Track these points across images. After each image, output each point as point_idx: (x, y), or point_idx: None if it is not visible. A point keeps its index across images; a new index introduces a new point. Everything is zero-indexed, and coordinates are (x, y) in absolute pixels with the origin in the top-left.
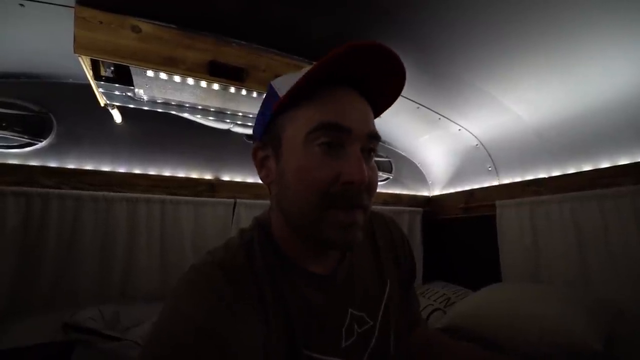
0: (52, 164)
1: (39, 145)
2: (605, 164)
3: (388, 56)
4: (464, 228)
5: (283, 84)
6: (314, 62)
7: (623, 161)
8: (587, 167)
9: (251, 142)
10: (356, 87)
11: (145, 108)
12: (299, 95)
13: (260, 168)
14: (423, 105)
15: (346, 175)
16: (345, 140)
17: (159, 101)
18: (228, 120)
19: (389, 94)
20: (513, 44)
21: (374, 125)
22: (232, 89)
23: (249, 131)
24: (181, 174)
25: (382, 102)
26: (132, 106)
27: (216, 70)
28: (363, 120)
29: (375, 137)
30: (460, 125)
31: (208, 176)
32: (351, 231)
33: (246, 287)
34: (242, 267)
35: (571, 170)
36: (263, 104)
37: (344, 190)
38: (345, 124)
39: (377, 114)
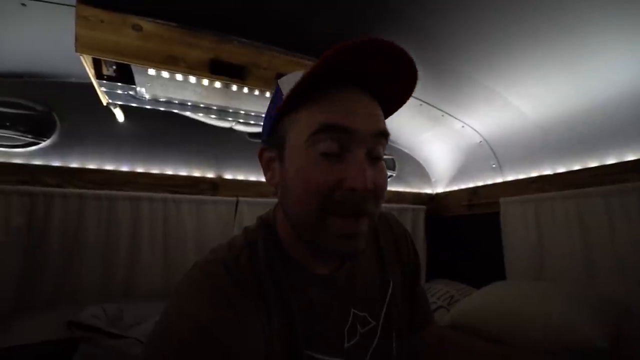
0: (56, 163)
1: (42, 144)
2: (611, 160)
3: (391, 51)
4: (467, 225)
5: (288, 84)
6: (317, 59)
7: (630, 157)
8: (592, 164)
9: (253, 140)
10: (364, 86)
11: (148, 107)
12: (301, 96)
13: (266, 170)
14: (426, 102)
15: (348, 181)
16: (349, 143)
17: (161, 100)
18: (230, 119)
19: (398, 93)
20: (518, 39)
21: (383, 123)
22: (234, 87)
23: (251, 129)
24: (183, 172)
25: (391, 102)
26: (134, 105)
27: (217, 69)
28: (369, 119)
29: (383, 134)
30: (464, 122)
31: (210, 175)
32: (354, 241)
33: (249, 286)
34: (245, 267)
35: (576, 167)
36: (270, 103)
37: (346, 197)
38: (349, 125)
39: (387, 115)
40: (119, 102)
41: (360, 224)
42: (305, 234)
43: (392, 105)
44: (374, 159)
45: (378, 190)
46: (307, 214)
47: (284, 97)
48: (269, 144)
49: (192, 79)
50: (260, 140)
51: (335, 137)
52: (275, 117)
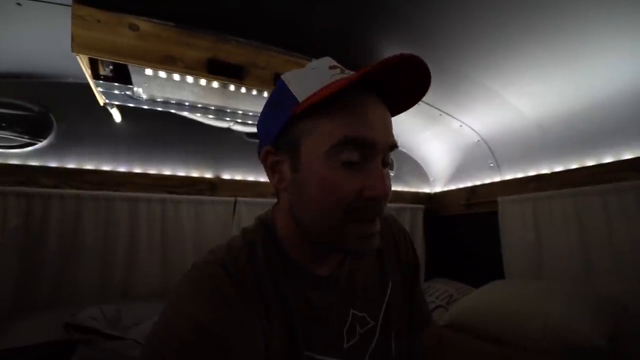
0: (53, 163)
1: (39, 145)
2: (609, 159)
3: (419, 67)
4: (466, 225)
5: (298, 84)
6: (314, 59)
7: (627, 156)
8: (590, 162)
9: (251, 140)
10: (375, 89)
11: (145, 107)
12: (322, 103)
13: (272, 173)
14: (423, 101)
15: (369, 189)
16: (369, 153)
17: (158, 100)
18: (228, 119)
19: (409, 101)
20: (516, 37)
21: (393, 136)
22: (232, 87)
23: (249, 129)
24: (181, 172)
25: (399, 106)
26: (131, 105)
27: (215, 68)
28: (386, 130)
29: (395, 146)
30: (461, 121)
31: (208, 175)
32: (371, 240)
33: (248, 287)
34: (244, 268)
35: (574, 166)
36: (274, 102)
37: (367, 204)
38: (372, 138)
39: (393, 114)
40: (116, 103)
41: (375, 225)
42: (324, 238)
43: (397, 108)
44: (384, 165)
45: (389, 195)
46: (330, 222)
47: (300, 100)
48: (276, 147)
49: (190, 79)
50: (257, 140)
51: (358, 149)
52: (286, 120)
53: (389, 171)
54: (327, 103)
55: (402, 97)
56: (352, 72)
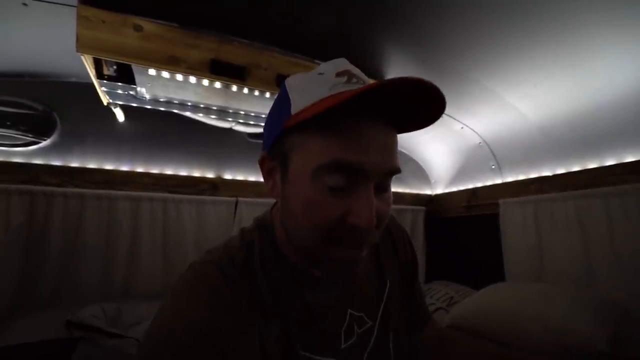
0: (56, 162)
1: (43, 143)
2: (611, 162)
3: (431, 93)
4: (467, 227)
5: (298, 92)
6: (317, 61)
7: (630, 159)
8: (592, 165)
9: (253, 140)
10: (379, 107)
11: (148, 107)
12: (316, 118)
13: (267, 179)
14: None
15: (354, 216)
16: (359, 179)
17: (161, 100)
18: (230, 119)
19: (420, 121)
20: (518, 39)
21: (395, 159)
22: (234, 88)
23: (251, 130)
24: (183, 172)
25: (407, 126)
26: (134, 105)
27: (218, 69)
28: (384, 156)
29: (394, 172)
30: (463, 123)
31: (210, 175)
32: (353, 266)
33: (244, 288)
34: (240, 269)
35: (576, 168)
36: (275, 108)
37: (350, 231)
38: (363, 164)
39: (400, 132)
40: (120, 102)
41: (360, 252)
42: (305, 256)
43: (406, 128)
44: (381, 189)
45: (380, 221)
46: (309, 243)
47: (293, 112)
48: (272, 153)
49: (193, 79)
50: (259, 141)
51: (347, 174)
52: (281, 129)
53: (389, 194)
54: (320, 119)
55: (412, 117)
56: (361, 78)
